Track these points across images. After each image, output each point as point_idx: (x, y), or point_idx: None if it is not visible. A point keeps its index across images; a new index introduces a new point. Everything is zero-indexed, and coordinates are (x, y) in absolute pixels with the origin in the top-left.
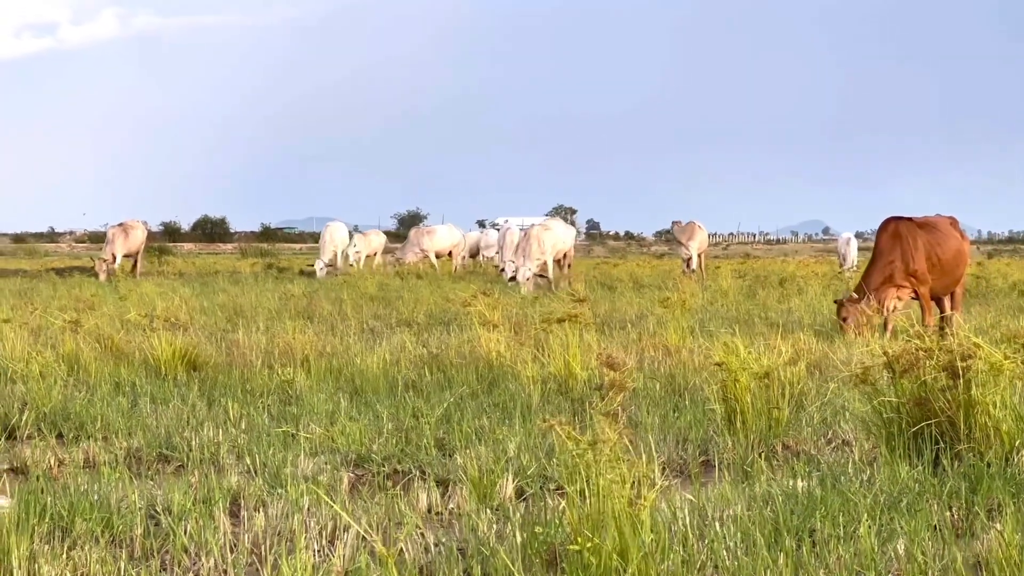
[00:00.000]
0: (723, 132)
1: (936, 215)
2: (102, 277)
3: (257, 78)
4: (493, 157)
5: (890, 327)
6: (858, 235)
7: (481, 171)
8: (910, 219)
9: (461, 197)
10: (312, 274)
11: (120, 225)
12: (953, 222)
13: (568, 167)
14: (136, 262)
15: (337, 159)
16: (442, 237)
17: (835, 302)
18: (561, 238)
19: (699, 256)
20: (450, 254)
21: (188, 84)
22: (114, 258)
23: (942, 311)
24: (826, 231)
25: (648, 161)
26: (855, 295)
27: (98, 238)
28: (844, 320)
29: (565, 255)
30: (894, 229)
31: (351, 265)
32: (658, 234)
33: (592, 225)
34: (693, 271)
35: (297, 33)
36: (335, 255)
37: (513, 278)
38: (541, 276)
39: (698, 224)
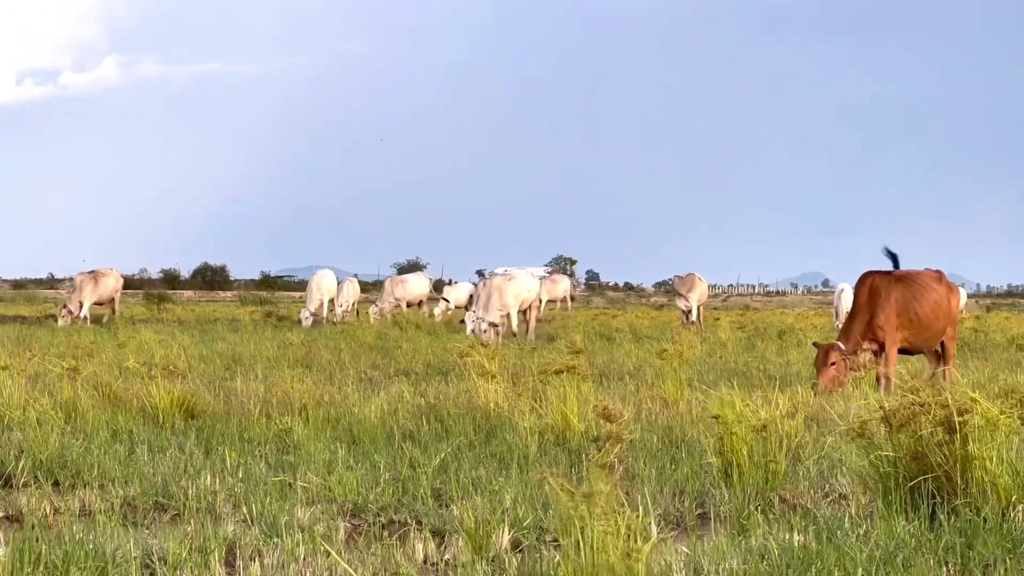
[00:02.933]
0: (723, 184)
1: (925, 269)
2: (61, 323)
3: (259, 126)
4: (494, 207)
5: (883, 381)
6: None
7: (481, 220)
8: (888, 273)
9: (461, 246)
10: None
11: (91, 272)
12: (939, 276)
13: (568, 217)
14: (113, 309)
15: (338, 208)
16: (414, 286)
17: (814, 344)
18: (526, 288)
19: (699, 308)
20: (420, 303)
21: (189, 132)
22: (81, 306)
23: (934, 366)
24: (826, 283)
25: (648, 212)
26: (841, 345)
27: None
28: (829, 365)
29: (531, 306)
30: (870, 283)
31: (339, 315)
32: (657, 285)
33: (592, 276)
34: (693, 323)
35: (300, 82)
36: (322, 304)
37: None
38: (493, 325)
39: (698, 276)
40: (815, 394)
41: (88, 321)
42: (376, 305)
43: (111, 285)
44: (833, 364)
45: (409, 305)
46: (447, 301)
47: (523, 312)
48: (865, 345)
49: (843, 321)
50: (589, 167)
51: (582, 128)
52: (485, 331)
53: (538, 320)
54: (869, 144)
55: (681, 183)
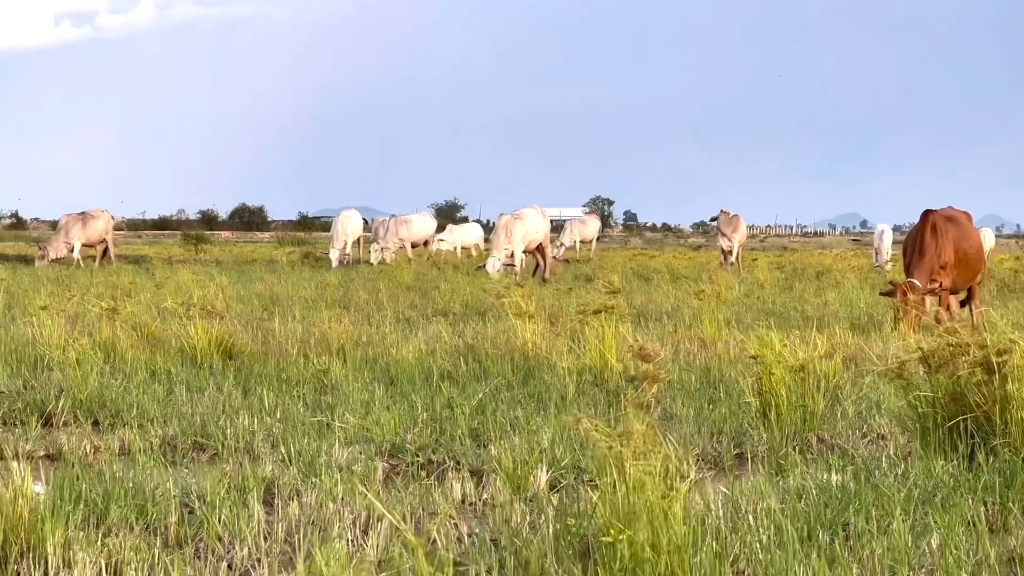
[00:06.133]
0: (761, 124)
1: (949, 207)
2: (38, 263)
3: (297, 67)
4: (531, 147)
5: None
6: (896, 228)
7: (519, 161)
8: (940, 212)
9: (499, 187)
10: (348, 263)
11: (80, 214)
12: (969, 216)
13: (606, 158)
14: (106, 251)
15: (376, 149)
16: (418, 226)
17: (891, 284)
18: (534, 228)
19: (738, 248)
20: (426, 243)
21: (227, 73)
22: (64, 246)
23: (953, 308)
24: (864, 224)
25: (686, 153)
26: (918, 283)
27: (135, 226)
28: (907, 307)
29: (541, 246)
30: (933, 221)
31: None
32: (695, 226)
33: (629, 216)
34: (731, 264)
35: (338, 23)
36: (346, 244)
37: (482, 266)
38: (509, 265)
39: (740, 217)
40: (904, 335)
41: (81, 263)
42: (377, 244)
43: (100, 227)
44: (914, 302)
45: (415, 245)
46: (443, 240)
47: (533, 252)
48: (929, 285)
49: (881, 259)
50: (629, 108)
51: (622, 69)
52: (499, 269)
53: (555, 259)
54: (908, 84)
55: (719, 123)
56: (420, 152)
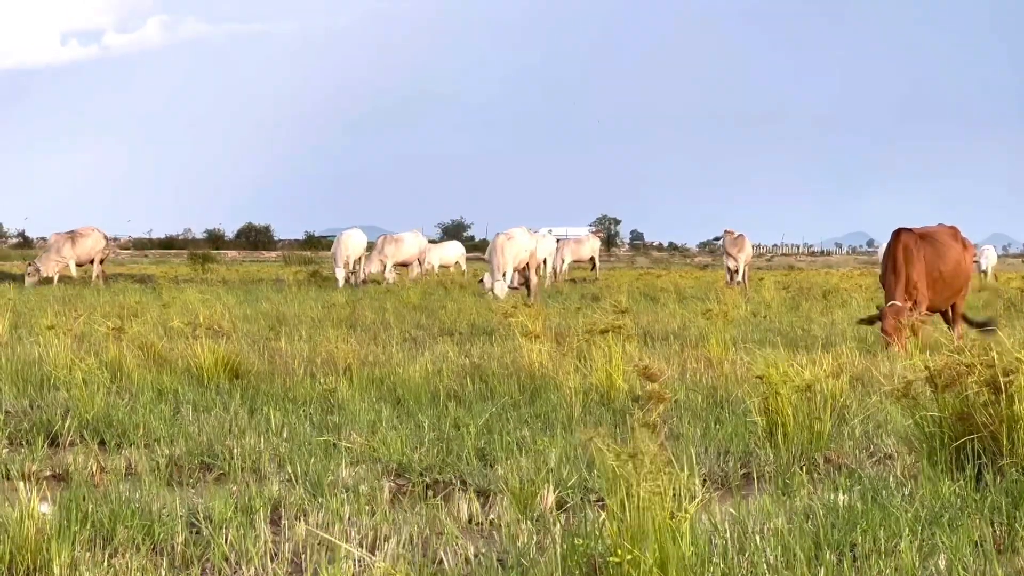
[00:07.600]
0: (767, 144)
1: (939, 224)
2: (28, 281)
3: (304, 86)
4: (539, 166)
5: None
6: None
7: (527, 181)
8: (912, 230)
9: (507, 206)
10: (353, 283)
11: (68, 232)
12: (954, 232)
13: (613, 178)
14: (99, 270)
15: (382, 168)
16: (409, 245)
17: (879, 308)
18: (523, 247)
19: (744, 268)
20: (419, 262)
21: (234, 91)
22: (61, 265)
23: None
24: (870, 243)
25: (692, 172)
26: (898, 304)
27: (142, 245)
28: (895, 330)
29: (528, 266)
30: (904, 240)
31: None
32: (702, 245)
33: (636, 236)
34: (738, 283)
35: (344, 41)
36: (348, 262)
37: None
38: (513, 288)
39: (745, 236)
40: (895, 356)
41: (55, 281)
42: (361, 263)
43: (89, 245)
44: (892, 331)
45: (406, 265)
46: (422, 264)
47: (523, 271)
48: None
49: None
50: (635, 129)
51: (629, 92)
52: (497, 292)
53: (553, 279)
54: (915, 104)
55: (725, 143)
56: (428, 171)
